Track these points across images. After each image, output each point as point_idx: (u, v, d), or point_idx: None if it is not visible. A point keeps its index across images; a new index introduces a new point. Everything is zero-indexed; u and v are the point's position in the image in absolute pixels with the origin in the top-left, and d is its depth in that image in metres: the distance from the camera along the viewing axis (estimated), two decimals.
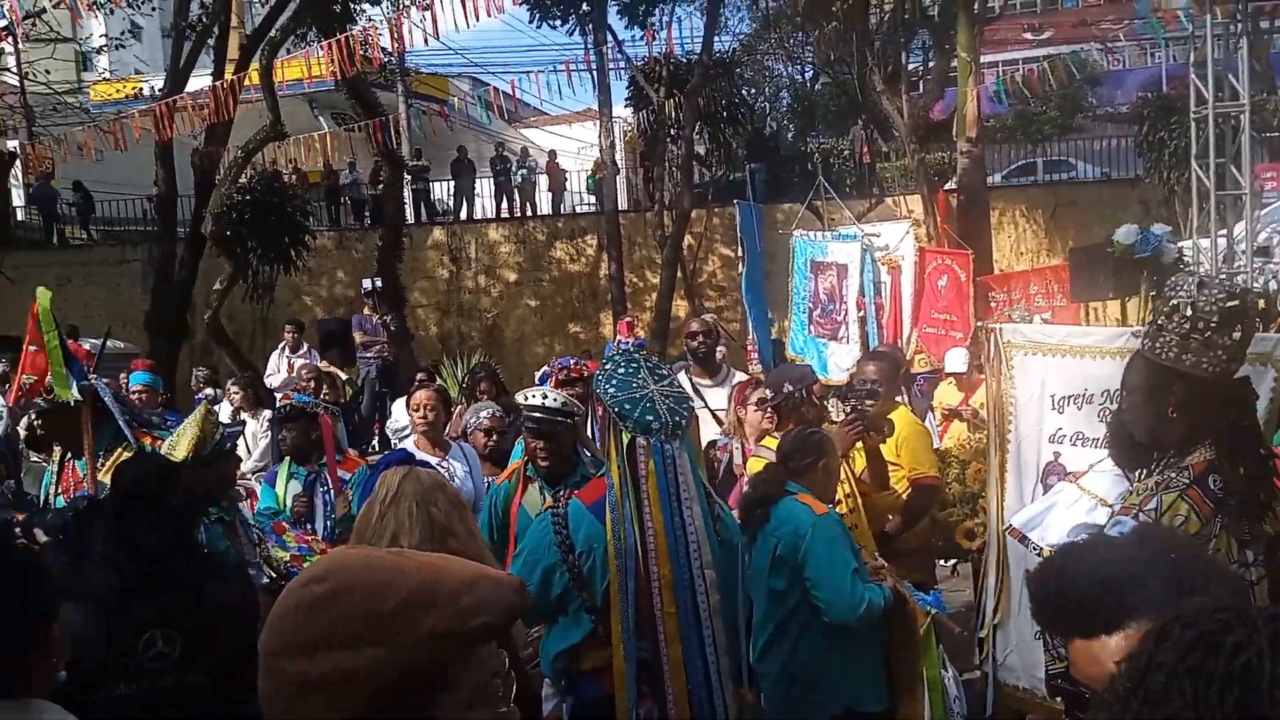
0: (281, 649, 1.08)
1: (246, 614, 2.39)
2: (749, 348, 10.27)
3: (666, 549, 2.80)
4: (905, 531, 4.33)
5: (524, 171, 20.49)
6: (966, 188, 13.68)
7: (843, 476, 3.84)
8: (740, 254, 11.06)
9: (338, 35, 11.88)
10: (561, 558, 2.96)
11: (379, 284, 13.42)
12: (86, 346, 5.42)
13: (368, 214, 19.99)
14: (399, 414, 7.17)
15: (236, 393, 7.97)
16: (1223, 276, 7.98)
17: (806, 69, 27.67)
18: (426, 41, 12.42)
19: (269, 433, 6.86)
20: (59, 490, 3.87)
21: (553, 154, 21.83)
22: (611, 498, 2.87)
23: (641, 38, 18.74)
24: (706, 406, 5.56)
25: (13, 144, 17.21)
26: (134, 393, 6.67)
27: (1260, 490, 2.04)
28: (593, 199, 21.03)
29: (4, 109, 17.84)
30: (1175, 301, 1.98)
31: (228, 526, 3.80)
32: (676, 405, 2.95)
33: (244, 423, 7.16)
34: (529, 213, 20.35)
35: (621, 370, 2.99)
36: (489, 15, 10.37)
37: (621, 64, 18.77)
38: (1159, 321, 2.03)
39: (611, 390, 2.93)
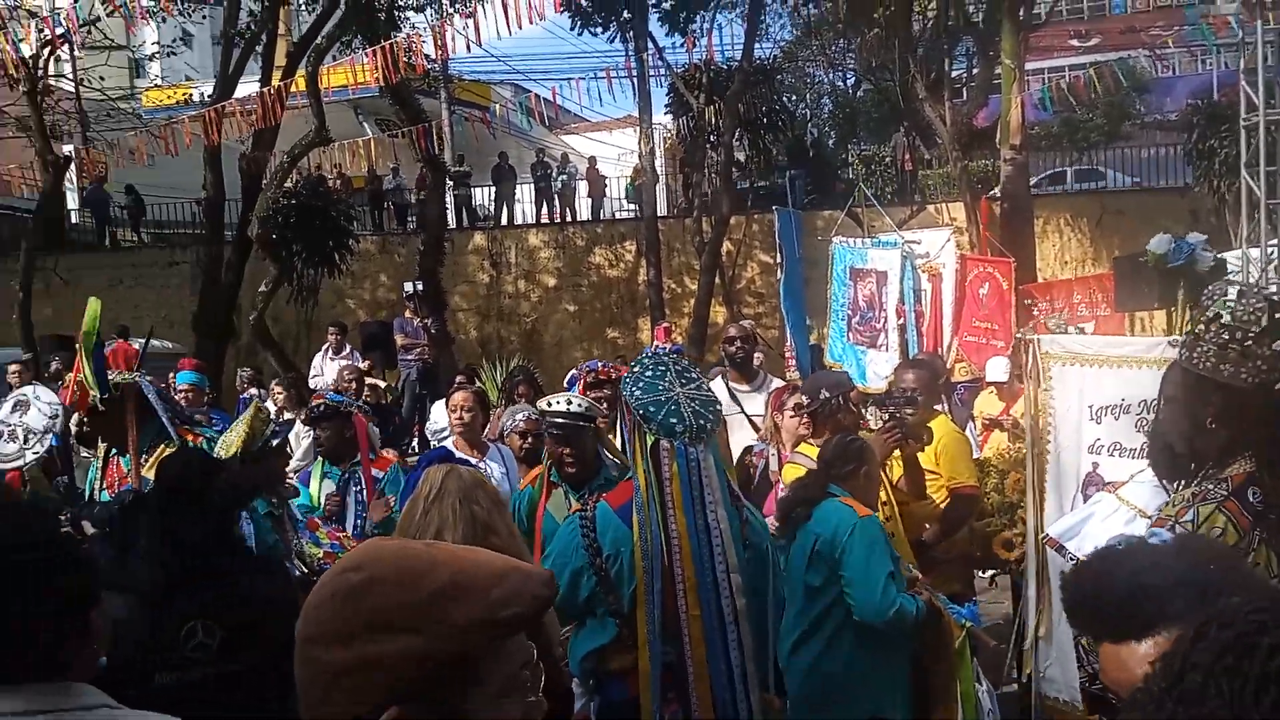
0: (317, 636, 1.10)
1: (287, 608, 2.43)
2: (787, 355, 10.23)
3: (690, 552, 2.80)
4: (943, 541, 4.30)
5: (564, 177, 20.61)
6: (1010, 195, 13.52)
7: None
8: (779, 260, 11.03)
9: (382, 42, 12.04)
10: (589, 561, 2.97)
11: (420, 288, 13.56)
12: (135, 346, 5.54)
13: (410, 219, 20.23)
14: (438, 415, 7.23)
15: (280, 393, 8.09)
16: (1272, 287, 7.81)
17: (848, 76, 27.54)
18: (469, 48, 12.62)
19: (310, 433, 6.95)
20: (103, 485, 3.96)
21: (593, 160, 21.93)
22: (637, 500, 2.87)
23: (682, 44, 18.79)
24: (743, 412, 5.56)
25: (68, 149, 17.62)
26: (181, 392, 6.82)
27: None
28: (633, 205, 21.10)
29: (60, 115, 18.28)
30: (1213, 311, 1.95)
31: (276, 521, 3.88)
32: (702, 408, 2.94)
33: (292, 421, 7.27)
34: (568, 218, 20.46)
35: (648, 373, 2.99)
36: (531, 22, 10.46)
37: (662, 71, 18.83)
38: (1196, 331, 1.99)
39: (637, 393, 2.93)
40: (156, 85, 27.44)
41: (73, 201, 22.59)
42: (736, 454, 4.85)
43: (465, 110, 21.67)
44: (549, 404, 3.85)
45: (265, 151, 14.40)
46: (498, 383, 9.64)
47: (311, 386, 10.22)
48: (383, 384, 10.64)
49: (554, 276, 19.11)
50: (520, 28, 10.46)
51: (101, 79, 18.87)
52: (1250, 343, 1.91)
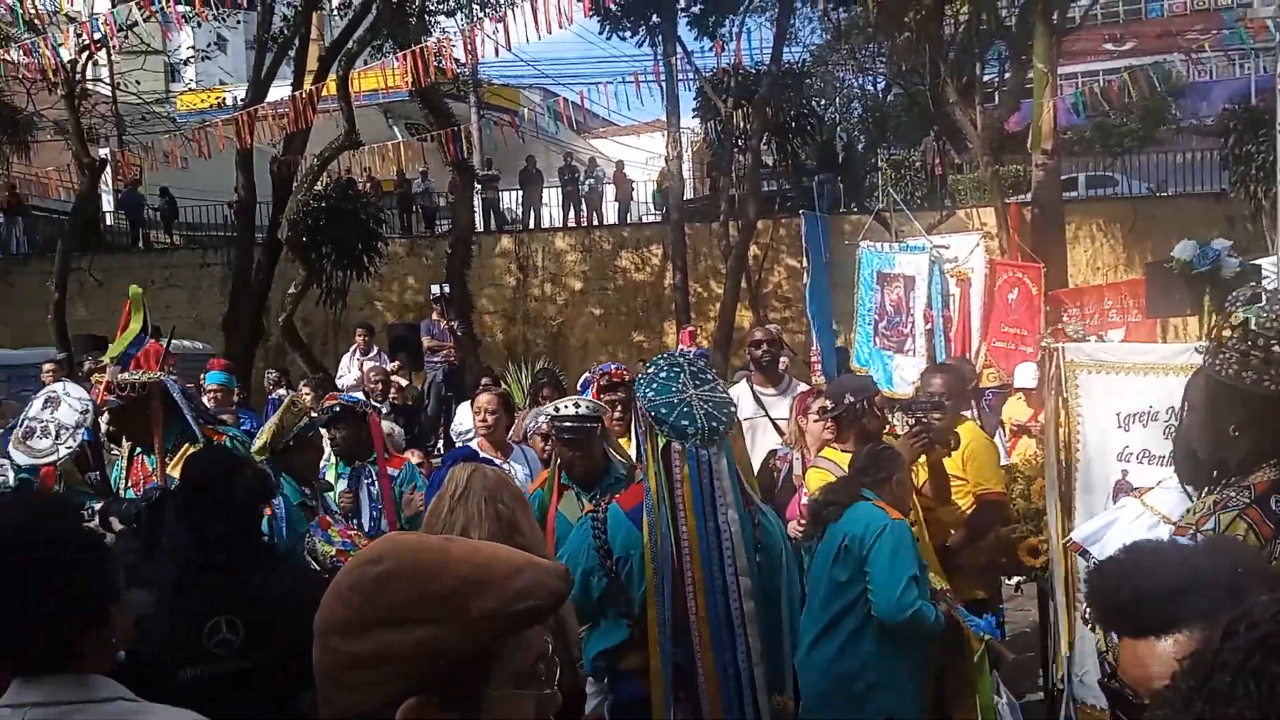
0: (336, 628, 1.12)
1: (306, 605, 2.45)
2: (813, 359, 10.19)
3: (699, 554, 2.80)
4: (968, 546, 4.27)
5: (591, 181, 20.67)
6: (1041, 201, 13.40)
7: None
8: (805, 265, 11.00)
9: (413, 47, 12.14)
10: (599, 562, 2.99)
11: (447, 290, 13.65)
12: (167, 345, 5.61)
13: (439, 222, 20.36)
14: (463, 417, 7.28)
15: (308, 394, 8.17)
16: None
17: (878, 80, 27.42)
18: (497, 53, 12.65)
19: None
20: (128, 484, 4.01)
21: (620, 164, 21.98)
22: (648, 502, 2.88)
23: (710, 48, 18.78)
24: (768, 416, 5.55)
25: (104, 152, 17.92)
26: (210, 392, 6.90)
27: None
28: (659, 210, 21.12)
29: (96, 118, 18.59)
30: (1237, 317, 1.92)
31: (309, 511, 3.92)
32: (715, 411, 2.94)
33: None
34: (595, 222, 20.52)
35: (662, 375, 2.99)
36: (560, 26, 10.49)
37: (690, 75, 18.83)
38: (1219, 337, 1.97)
39: (650, 395, 2.93)
40: (191, 89, 27.86)
41: (108, 204, 22.95)
42: (761, 458, 4.84)
43: (494, 114, 21.81)
44: (557, 409, 3.87)
45: (296, 155, 14.56)
46: (523, 385, 9.69)
47: (339, 388, 10.32)
48: (404, 382, 10.71)
49: (580, 280, 19.16)
50: (550, 32, 10.49)
51: (137, 83, 19.17)
52: (1274, 349, 1.88)
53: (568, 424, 3.73)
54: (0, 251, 20.79)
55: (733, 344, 15.75)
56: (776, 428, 5.39)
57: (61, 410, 4.02)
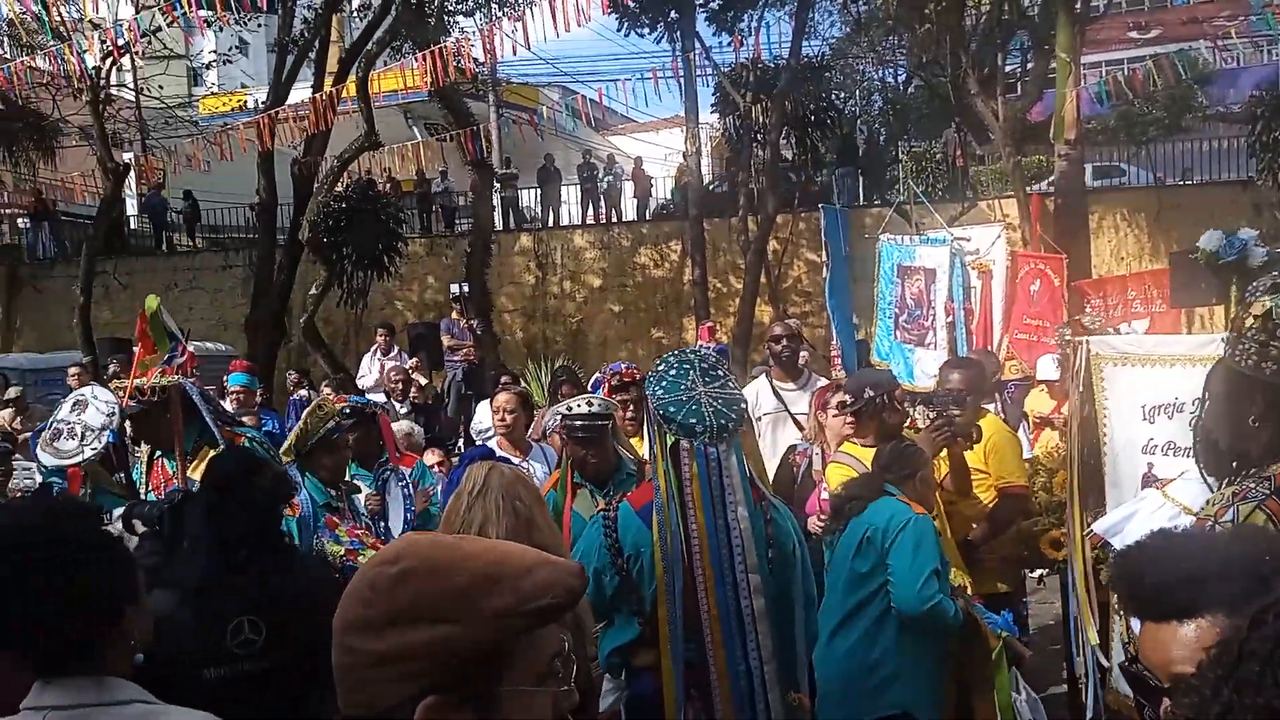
0: (353, 627, 1.13)
1: (326, 602, 2.47)
2: (833, 354, 10.15)
3: (709, 552, 2.80)
4: (990, 540, 4.25)
5: (610, 178, 20.67)
6: (1064, 191, 13.27)
7: None
8: (825, 259, 10.94)
9: (432, 47, 12.18)
10: (611, 560, 2.99)
11: (467, 289, 13.70)
12: (191, 349, 5.67)
13: (459, 221, 20.43)
14: (483, 415, 7.31)
15: (329, 394, 8.22)
16: None
17: (899, 72, 27.25)
18: (515, 51, 12.66)
19: None
20: (149, 487, 4.06)
21: (638, 161, 21.96)
22: (657, 501, 2.88)
23: (729, 43, 18.72)
24: (788, 411, 5.54)
25: (128, 156, 18.11)
26: (232, 393, 6.96)
27: None
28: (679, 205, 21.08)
29: (120, 123, 18.80)
30: (1258, 307, 1.90)
31: (336, 513, 3.95)
32: (725, 408, 2.93)
33: None
34: (614, 219, 20.52)
35: (672, 372, 2.98)
36: (579, 24, 10.47)
37: (709, 70, 18.78)
38: (1239, 328, 1.95)
39: (659, 392, 2.93)
40: (213, 93, 28.09)
41: (132, 207, 23.20)
42: (781, 453, 4.83)
43: (513, 113, 21.85)
44: (569, 408, 3.87)
45: (317, 156, 14.65)
46: (543, 383, 9.71)
47: (360, 387, 10.39)
48: (424, 381, 10.75)
49: (599, 277, 19.18)
50: (568, 30, 10.48)
51: (160, 87, 19.38)
52: None
53: (580, 422, 3.74)
54: (27, 256, 21.09)
55: (752, 339, 15.71)
56: (796, 423, 5.37)
57: (89, 413, 4.08)
